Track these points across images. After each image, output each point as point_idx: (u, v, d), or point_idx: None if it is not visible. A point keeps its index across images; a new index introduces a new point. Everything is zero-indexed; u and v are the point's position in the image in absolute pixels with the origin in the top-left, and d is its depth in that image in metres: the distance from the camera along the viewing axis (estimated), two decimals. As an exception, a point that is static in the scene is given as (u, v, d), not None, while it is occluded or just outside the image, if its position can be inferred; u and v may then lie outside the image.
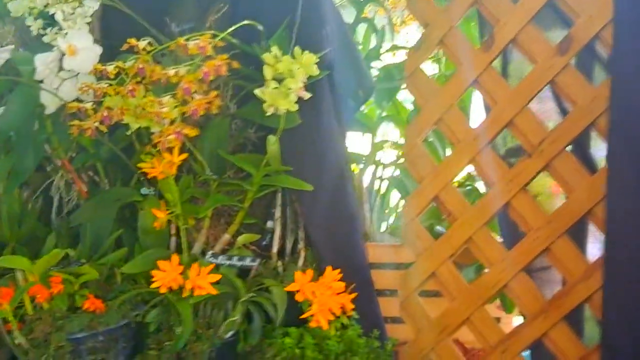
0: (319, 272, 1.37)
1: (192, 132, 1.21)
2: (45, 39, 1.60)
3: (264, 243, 1.48)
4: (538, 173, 1.22)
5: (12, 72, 1.51)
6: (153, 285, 1.10)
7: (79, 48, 1.40)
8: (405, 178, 1.65)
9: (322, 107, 1.42)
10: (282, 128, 1.35)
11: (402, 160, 1.70)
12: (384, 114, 1.74)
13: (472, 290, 1.29)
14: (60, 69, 1.44)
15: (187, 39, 1.26)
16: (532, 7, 1.21)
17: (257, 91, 1.32)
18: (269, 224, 1.48)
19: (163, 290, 1.10)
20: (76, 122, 1.28)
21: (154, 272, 1.11)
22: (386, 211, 1.80)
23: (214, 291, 1.12)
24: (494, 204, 1.26)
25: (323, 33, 1.44)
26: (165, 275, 1.08)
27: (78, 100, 1.43)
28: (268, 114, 1.31)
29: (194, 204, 1.45)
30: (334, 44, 1.45)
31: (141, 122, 1.34)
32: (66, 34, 1.42)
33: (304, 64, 1.32)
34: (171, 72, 1.21)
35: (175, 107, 1.23)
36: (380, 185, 1.72)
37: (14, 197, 1.58)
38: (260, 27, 1.40)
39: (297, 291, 1.17)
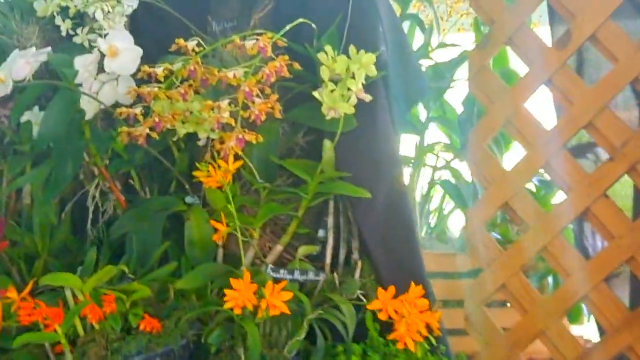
0: (378, 285, 1.31)
1: (255, 137, 1.14)
2: (76, 40, 1.53)
3: (315, 253, 1.41)
4: (620, 177, 1.16)
5: (46, 75, 1.45)
6: (226, 306, 1.03)
7: (120, 49, 1.32)
8: (458, 181, 1.59)
9: (378, 108, 1.35)
10: (339, 131, 1.28)
11: (453, 163, 1.63)
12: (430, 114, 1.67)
13: (546, 302, 1.22)
14: (99, 71, 1.36)
15: (243, 39, 1.19)
16: (612, 2, 1.15)
17: (315, 93, 1.25)
18: (321, 233, 1.41)
19: (237, 311, 1.03)
20: (124, 128, 1.21)
21: (227, 292, 1.03)
22: (431, 215, 1.74)
23: (287, 310, 1.05)
24: (570, 210, 1.19)
25: (378, 30, 1.37)
26: (239, 294, 1.01)
27: (117, 104, 1.37)
28: (328, 117, 1.24)
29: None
30: (388, 41, 1.38)
31: (188, 128, 1.27)
32: (106, 34, 1.33)
33: (364, 64, 1.25)
34: (230, 74, 1.13)
35: (231, 111, 1.16)
36: (429, 190, 1.65)
37: (46, 208, 1.51)
38: (313, 26, 1.32)
39: (379, 310, 1.10)
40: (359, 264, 1.36)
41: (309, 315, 1.16)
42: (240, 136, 1.12)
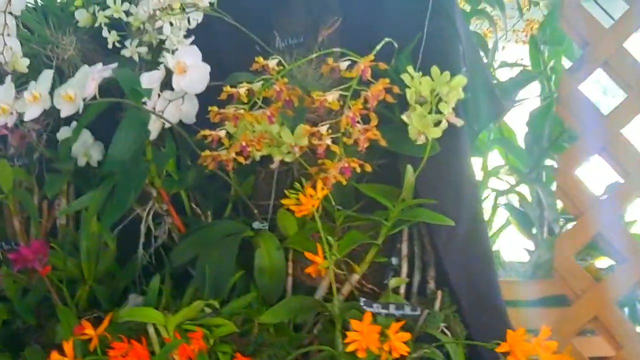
0: (460, 318, 1.27)
1: (360, 167, 1.09)
2: (125, 53, 1.46)
3: (386, 282, 1.36)
4: None
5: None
6: (349, 349, 0.97)
7: (189, 66, 1.26)
8: (524, 206, 1.55)
9: (458, 132, 1.31)
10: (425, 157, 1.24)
11: (518, 186, 1.60)
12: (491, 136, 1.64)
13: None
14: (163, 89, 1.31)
15: (334, 61, 1.14)
16: None
17: (404, 117, 1.20)
18: (394, 261, 1.36)
19: (362, 354, 0.97)
20: (208, 152, 1.15)
21: (349, 334, 0.98)
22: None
23: (407, 352, 1.00)
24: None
25: (458, 49, 1.33)
26: (362, 336, 0.96)
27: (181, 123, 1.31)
28: (419, 142, 1.19)
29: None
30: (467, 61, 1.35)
31: (265, 151, 1.22)
32: (175, 49, 1.27)
33: (454, 87, 1.20)
34: (330, 97, 1.08)
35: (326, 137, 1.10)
36: (492, 214, 1.61)
37: (92, 232, 1.44)
38: (395, 44, 1.27)
39: (508, 353, 1.05)
40: (439, 294, 1.31)
41: (413, 355, 1.10)
42: (346, 164, 1.06)
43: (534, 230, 1.59)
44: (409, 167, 1.26)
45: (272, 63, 1.19)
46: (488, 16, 1.60)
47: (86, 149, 1.57)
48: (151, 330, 1.09)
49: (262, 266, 1.29)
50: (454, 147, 1.30)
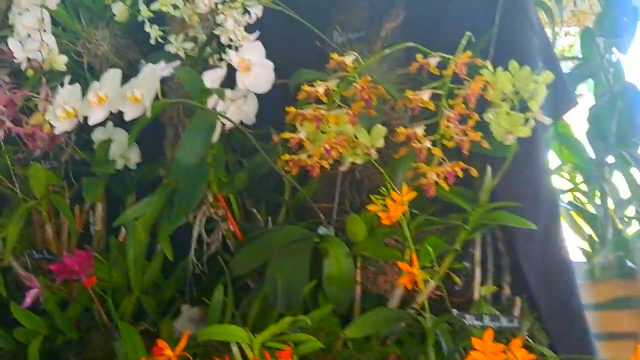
0: (540, 325, 1.22)
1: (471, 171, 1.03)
2: (169, 48, 1.39)
3: (457, 288, 1.30)
4: None
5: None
6: (473, 370, 0.91)
7: (254, 63, 1.19)
8: (591, 205, 1.51)
9: (536, 129, 1.25)
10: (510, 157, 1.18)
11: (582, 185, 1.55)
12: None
13: None
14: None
15: (425, 57, 1.07)
16: None
17: (489, 116, 1.14)
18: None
19: (485, 376, 0.91)
20: (288, 156, 1.08)
21: (472, 353, 0.91)
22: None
23: (523, 371, 0.94)
24: None
25: (533, 42, 1.28)
26: (485, 357, 0.89)
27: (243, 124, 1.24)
28: (507, 142, 1.13)
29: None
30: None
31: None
32: (239, 45, 1.20)
33: (541, 83, 1.15)
34: (425, 96, 1.02)
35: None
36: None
37: (140, 239, 1.36)
38: (471, 36, 1.21)
39: None
40: (518, 301, 1.26)
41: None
42: (450, 169, 1.00)
43: (595, 230, 1.54)
44: (489, 168, 1.20)
45: (348, 59, 1.13)
46: (545, 6, 1.54)
47: (124, 151, 1.49)
48: (235, 349, 1.02)
49: (332, 274, 1.22)
50: (532, 145, 1.24)
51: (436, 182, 1.02)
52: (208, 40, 1.38)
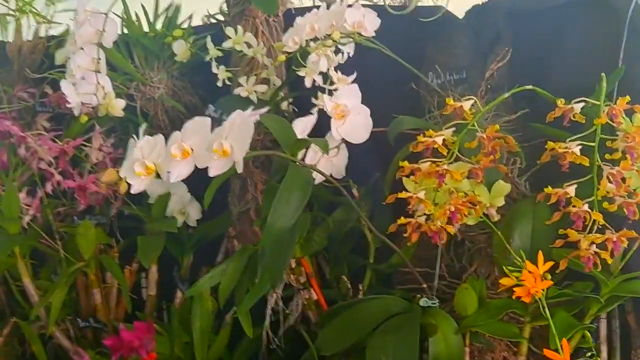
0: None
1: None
2: (240, 92, 1.24)
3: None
4: None
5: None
6: None
7: (350, 109, 1.04)
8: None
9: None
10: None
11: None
12: None
13: None
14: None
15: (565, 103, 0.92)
16: None
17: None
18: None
19: None
20: (404, 219, 0.92)
21: None
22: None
23: None
24: None
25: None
26: None
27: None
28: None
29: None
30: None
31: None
32: (334, 89, 1.05)
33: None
34: (576, 148, 0.86)
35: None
36: None
37: (207, 310, 1.20)
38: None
39: None
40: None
41: None
42: (615, 239, 0.84)
43: None
44: (624, 233, 1.03)
45: (466, 105, 0.97)
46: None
47: (183, 206, 1.34)
48: None
49: (439, 354, 1.06)
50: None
51: (596, 253, 0.85)
52: (284, 82, 1.23)
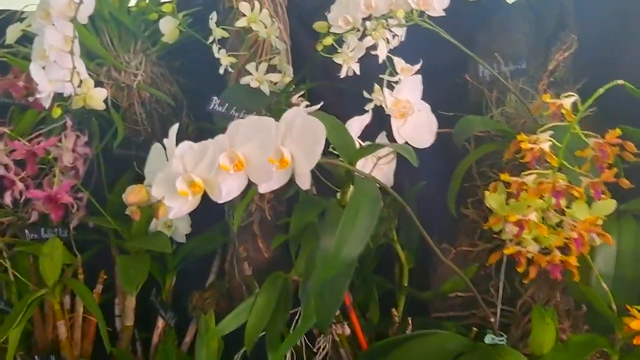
0: None
1: None
2: (250, 82, 1.03)
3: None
4: None
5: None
6: None
7: (414, 107, 0.85)
8: None
9: None
10: None
11: None
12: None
13: None
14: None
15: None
16: None
17: None
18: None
19: None
20: (513, 248, 0.73)
21: None
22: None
23: None
24: None
25: None
26: None
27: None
28: None
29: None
30: None
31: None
32: (397, 81, 0.85)
33: None
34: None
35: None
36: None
37: (213, 352, 0.99)
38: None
39: None
40: None
41: None
42: None
43: None
44: None
45: (567, 102, 0.80)
46: None
47: (169, 218, 1.11)
48: None
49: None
50: None
51: None
52: (309, 68, 1.02)
